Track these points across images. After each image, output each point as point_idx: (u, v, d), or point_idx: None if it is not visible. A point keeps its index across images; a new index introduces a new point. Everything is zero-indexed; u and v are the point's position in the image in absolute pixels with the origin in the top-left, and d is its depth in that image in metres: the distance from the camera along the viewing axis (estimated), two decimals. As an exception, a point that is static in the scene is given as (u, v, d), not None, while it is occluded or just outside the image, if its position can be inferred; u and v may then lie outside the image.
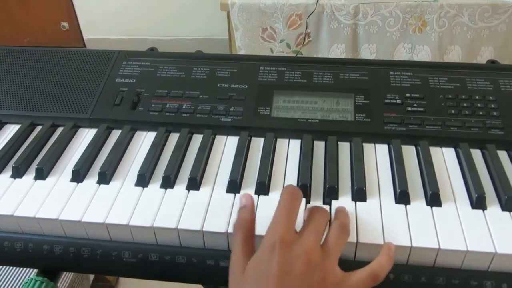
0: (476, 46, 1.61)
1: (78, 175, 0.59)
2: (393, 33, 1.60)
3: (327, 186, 0.56)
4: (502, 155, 0.60)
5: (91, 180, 0.59)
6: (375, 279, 0.46)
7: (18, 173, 0.60)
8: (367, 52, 1.65)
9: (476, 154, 0.60)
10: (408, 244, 0.50)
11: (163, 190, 0.57)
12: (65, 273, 1.19)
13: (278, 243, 0.44)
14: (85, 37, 2.59)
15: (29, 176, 0.60)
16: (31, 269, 1.06)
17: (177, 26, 2.44)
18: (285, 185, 0.53)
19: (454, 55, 1.62)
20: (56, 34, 2.58)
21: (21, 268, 1.11)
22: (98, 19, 2.49)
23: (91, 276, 1.43)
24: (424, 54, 1.61)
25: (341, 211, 0.52)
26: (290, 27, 1.65)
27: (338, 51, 1.66)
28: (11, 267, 1.13)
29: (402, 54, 1.64)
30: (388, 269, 0.47)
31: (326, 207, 0.54)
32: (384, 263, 0.47)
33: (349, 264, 0.51)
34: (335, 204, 0.54)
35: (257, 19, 1.64)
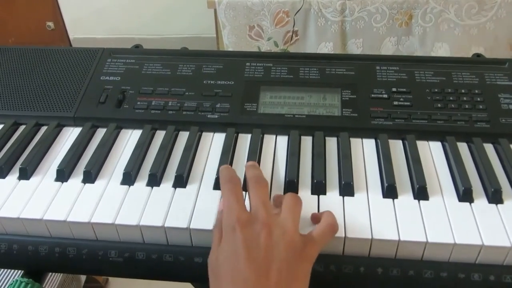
0: (465, 45, 1.62)
1: (63, 175, 0.58)
2: (379, 28, 1.60)
3: (315, 181, 0.56)
4: (488, 148, 0.60)
5: (76, 180, 0.59)
6: (333, 228, 0.49)
7: (1, 173, 0.59)
8: (353, 47, 1.65)
9: (463, 147, 0.60)
10: (396, 238, 0.49)
11: (149, 188, 0.57)
12: (53, 274, 1.18)
13: (236, 224, 0.46)
14: (71, 37, 2.57)
15: (13, 176, 0.59)
16: (16, 271, 1.04)
17: (163, 24, 2.42)
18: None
19: (442, 53, 1.62)
20: (42, 34, 2.55)
21: (6, 270, 1.09)
22: (83, 18, 2.47)
23: (83, 278, 1.42)
24: (410, 45, 1.62)
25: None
26: (278, 24, 1.65)
27: (326, 50, 1.66)
28: (-5, 269, 1.11)
29: (388, 47, 1.64)
30: (335, 218, 0.50)
31: (314, 200, 0.54)
32: (331, 214, 0.50)
33: (337, 259, 0.51)
34: (322, 199, 0.54)
35: (244, 17, 1.63)
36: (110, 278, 1.64)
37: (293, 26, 1.63)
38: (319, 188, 0.55)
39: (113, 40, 2.48)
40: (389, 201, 0.54)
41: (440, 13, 1.56)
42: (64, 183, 0.58)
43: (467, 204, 0.53)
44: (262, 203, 0.48)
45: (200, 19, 2.28)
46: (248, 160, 0.59)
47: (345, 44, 1.66)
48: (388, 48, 1.65)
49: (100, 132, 0.65)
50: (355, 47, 1.66)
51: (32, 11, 2.48)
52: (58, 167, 0.59)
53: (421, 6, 1.54)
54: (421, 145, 0.61)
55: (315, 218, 0.51)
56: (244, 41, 1.69)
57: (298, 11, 1.59)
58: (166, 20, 2.41)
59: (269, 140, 0.63)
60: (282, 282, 0.43)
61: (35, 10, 2.48)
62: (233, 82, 0.68)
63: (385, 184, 0.55)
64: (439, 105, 0.63)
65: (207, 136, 0.64)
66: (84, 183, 0.58)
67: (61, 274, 1.19)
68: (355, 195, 0.55)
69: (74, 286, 1.28)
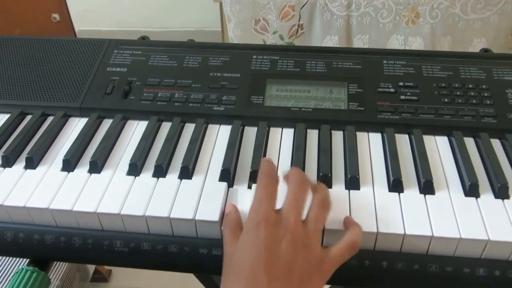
0: (468, 37, 1.61)
1: (69, 164, 0.59)
2: (386, 24, 1.59)
3: (321, 174, 0.56)
4: (495, 143, 0.60)
5: (82, 169, 0.59)
6: (354, 247, 0.47)
7: (7, 162, 0.60)
8: (360, 43, 1.64)
9: (469, 142, 0.60)
10: (402, 232, 0.49)
11: (155, 179, 0.57)
12: (57, 265, 1.19)
13: (262, 222, 0.45)
14: (76, 29, 2.57)
15: (19, 166, 0.60)
16: (22, 259, 1.05)
17: (169, 17, 2.42)
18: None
19: (445, 46, 1.62)
20: (47, 26, 2.55)
21: (12, 258, 1.10)
22: (89, 10, 2.46)
23: (91, 270, 1.43)
24: (417, 46, 1.61)
25: (320, 184, 0.52)
26: (283, 18, 1.64)
27: (331, 43, 1.65)
28: (1, 257, 1.12)
29: (395, 45, 1.63)
30: (361, 236, 0.48)
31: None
32: (358, 231, 0.48)
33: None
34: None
35: (250, 10, 1.63)
36: (113, 270, 1.65)
37: (299, 20, 1.63)
38: (325, 182, 0.55)
39: (119, 33, 2.48)
40: (395, 195, 0.54)
41: (447, 8, 1.55)
42: (70, 173, 0.58)
43: (473, 199, 0.53)
44: (296, 208, 0.47)
45: (205, 13, 2.28)
46: (254, 153, 0.59)
47: (351, 39, 1.66)
48: (394, 46, 1.64)
49: (106, 123, 0.65)
50: (361, 44, 1.65)
51: (37, 2, 2.48)
52: (64, 157, 0.59)
53: (428, 2, 1.53)
54: (428, 139, 0.61)
55: (344, 223, 0.50)
56: (249, 34, 1.69)
57: (304, 5, 1.59)
58: (172, 13, 2.40)
59: (275, 133, 0.63)
60: None
61: (41, 2, 2.48)
62: (239, 75, 0.68)
63: (391, 178, 0.55)
64: (446, 100, 0.63)
65: (213, 128, 0.64)
66: (90, 173, 0.58)
67: (65, 265, 1.21)
68: (361, 188, 0.55)
69: (79, 276, 1.29)
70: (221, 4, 1.64)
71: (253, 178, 0.56)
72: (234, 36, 1.70)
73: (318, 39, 1.67)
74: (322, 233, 0.50)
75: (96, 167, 0.58)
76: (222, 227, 0.51)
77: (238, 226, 0.50)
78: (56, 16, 2.53)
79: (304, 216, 0.48)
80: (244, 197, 0.54)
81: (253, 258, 0.44)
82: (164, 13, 2.41)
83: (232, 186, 0.56)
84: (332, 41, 1.65)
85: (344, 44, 1.65)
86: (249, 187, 0.56)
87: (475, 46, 1.63)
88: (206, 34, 2.36)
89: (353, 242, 0.47)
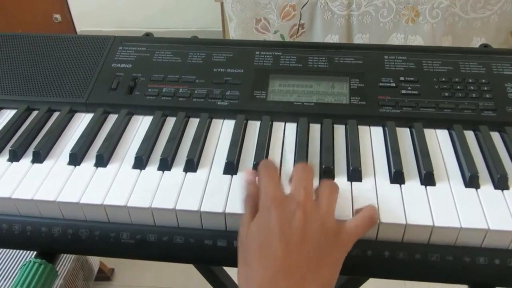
0: (467, 36, 1.62)
1: (76, 158, 0.60)
2: (386, 24, 1.60)
3: (323, 167, 0.57)
4: (495, 136, 0.61)
5: (88, 163, 0.60)
6: (372, 220, 0.48)
7: (15, 156, 0.61)
8: (360, 42, 1.65)
9: (469, 135, 0.61)
10: (403, 222, 0.50)
11: (160, 172, 0.58)
12: (62, 262, 1.20)
13: (271, 202, 0.46)
14: (77, 29, 2.58)
15: (27, 160, 0.61)
16: (30, 251, 1.06)
17: (171, 17, 2.43)
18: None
19: (445, 45, 1.63)
20: (49, 26, 2.56)
21: (20, 251, 1.11)
22: (91, 11, 2.48)
23: (95, 268, 1.43)
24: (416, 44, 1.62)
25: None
26: (284, 18, 1.65)
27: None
28: (9, 250, 1.13)
29: (394, 44, 1.64)
30: (377, 211, 0.49)
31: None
32: (373, 208, 0.49)
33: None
34: (331, 184, 0.55)
35: (251, 10, 1.64)
36: (116, 269, 1.66)
37: (300, 20, 1.64)
38: (328, 174, 0.56)
39: (120, 33, 2.45)
40: (396, 186, 0.55)
41: (447, 7, 1.56)
42: (77, 166, 0.59)
43: (473, 190, 0.54)
44: (304, 187, 0.48)
45: (207, 13, 2.29)
46: (257, 147, 0.59)
47: (351, 39, 1.67)
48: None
49: (112, 118, 0.66)
50: (362, 43, 1.66)
51: (39, 3, 2.49)
52: (71, 151, 0.60)
53: (428, 1, 1.54)
54: (428, 133, 0.61)
55: (356, 211, 0.51)
56: (250, 34, 1.70)
57: (304, 5, 1.60)
58: (173, 13, 2.41)
59: (278, 127, 0.64)
60: (312, 264, 0.43)
61: (42, 2, 2.49)
62: (242, 70, 0.69)
63: (393, 170, 0.56)
64: (446, 94, 0.64)
65: (217, 123, 0.65)
66: (97, 167, 0.59)
67: (71, 262, 1.22)
68: (363, 180, 0.56)
69: (83, 275, 1.29)
70: (222, 4, 1.65)
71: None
72: (235, 35, 1.71)
73: (319, 38, 1.68)
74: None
75: (102, 160, 0.59)
76: (243, 201, 0.51)
77: (257, 201, 0.49)
78: (57, 16, 2.54)
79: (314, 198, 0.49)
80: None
81: (267, 236, 0.44)
82: (165, 14, 2.42)
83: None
84: (332, 40, 1.67)
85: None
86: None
87: (475, 45, 1.64)
88: (208, 34, 2.37)
89: (371, 215, 0.48)
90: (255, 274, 0.43)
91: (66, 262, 1.22)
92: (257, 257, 0.44)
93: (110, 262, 1.64)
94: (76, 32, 2.58)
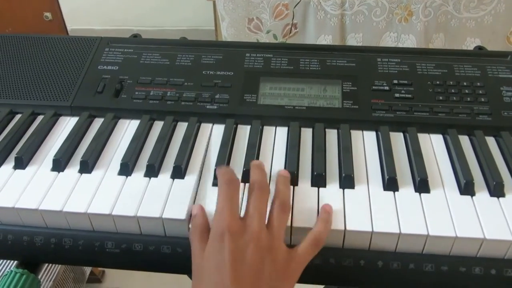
0: (461, 35, 1.61)
1: (59, 164, 0.58)
2: (379, 23, 1.59)
3: (315, 173, 0.55)
4: (490, 141, 0.59)
5: (72, 169, 0.58)
6: (317, 245, 0.48)
7: (-4, 162, 0.59)
8: (353, 42, 1.64)
9: (464, 140, 0.60)
10: (397, 231, 0.49)
11: (147, 179, 0.56)
12: (50, 266, 1.17)
13: (226, 232, 0.45)
14: (68, 28, 2.55)
15: (8, 166, 0.59)
16: (11, 261, 1.03)
17: (162, 16, 2.40)
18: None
19: (438, 44, 1.62)
20: (39, 25, 2.52)
21: (1, 260, 1.08)
22: (81, 9, 2.44)
23: (87, 271, 1.41)
24: (409, 44, 1.61)
25: (280, 182, 0.52)
26: (277, 17, 1.63)
27: (325, 42, 1.65)
28: (-10, 259, 1.10)
29: (388, 43, 1.63)
30: (326, 232, 0.49)
31: (314, 193, 0.53)
32: (322, 229, 0.49)
33: (337, 252, 0.50)
34: (322, 191, 0.54)
35: (244, 9, 1.62)
36: (106, 271, 1.64)
37: (292, 19, 1.62)
38: (319, 181, 0.55)
39: (111, 32, 2.46)
40: (390, 193, 0.53)
41: (439, 6, 1.55)
42: (61, 173, 0.57)
43: (469, 197, 0.52)
44: (259, 214, 0.48)
45: (199, 11, 2.26)
46: (247, 152, 0.58)
47: (344, 38, 1.65)
48: (387, 44, 1.64)
49: (97, 122, 0.64)
50: (355, 42, 1.65)
51: (29, 1, 2.46)
52: (54, 156, 0.58)
53: (421, 0, 1.53)
54: (423, 137, 0.60)
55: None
56: (243, 33, 1.68)
57: (297, 4, 1.58)
58: (165, 12, 2.39)
59: (268, 131, 0.62)
60: None
61: (33, 0, 2.46)
62: (232, 73, 0.67)
63: (386, 177, 0.54)
64: (440, 97, 0.63)
65: (206, 127, 0.63)
66: (81, 173, 0.57)
67: (59, 266, 1.19)
68: (356, 187, 0.54)
69: (73, 277, 1.27)
70: (214, 2, 1.63)
71: (245, 177, 0.55)
72: (228, 35, 1.69)
73: (311, 38, 1.66)
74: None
75: (87, 167, 0.57)
76: (189, 233, 0.50)
77: (205, 230, 0.49)
78: (48, 14, 2.51)
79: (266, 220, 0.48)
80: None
81: (220, 269, 0.44)
82: (157, 12, 2.40)
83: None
84: (326, 40, 1.65)
85: (337, 42, 1.65)
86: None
87: (468, 45, 1.64)
88: (199, 33, 2.35)
89: (316, 240, 0.48)
90: None
91: (55, 265, 1.19)
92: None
93: (100, 264, 1.62)
94: (67, 31, 2.55)
